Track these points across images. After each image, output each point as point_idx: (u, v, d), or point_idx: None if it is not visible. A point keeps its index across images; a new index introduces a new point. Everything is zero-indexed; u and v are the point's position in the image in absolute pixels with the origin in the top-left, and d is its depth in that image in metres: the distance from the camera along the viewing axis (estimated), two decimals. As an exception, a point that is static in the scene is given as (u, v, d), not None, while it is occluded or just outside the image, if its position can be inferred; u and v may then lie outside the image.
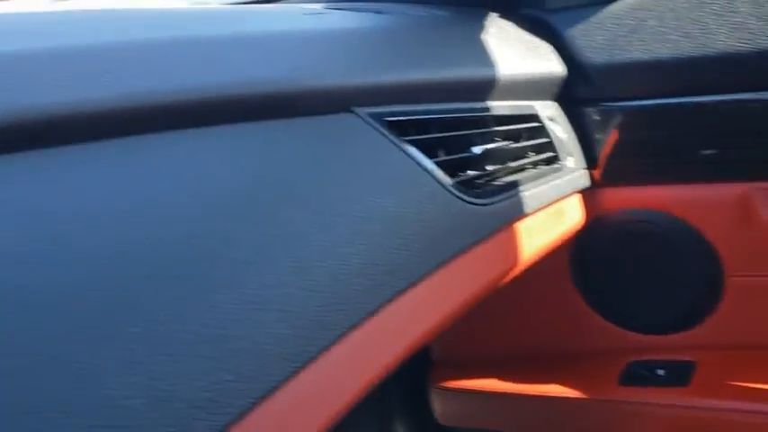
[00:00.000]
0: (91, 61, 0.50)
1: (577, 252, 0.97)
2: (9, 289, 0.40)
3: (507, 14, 0.85)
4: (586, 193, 0.88)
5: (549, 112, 0.83)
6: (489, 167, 0.73)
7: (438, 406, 1.14)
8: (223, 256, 0.48)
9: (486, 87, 0.75)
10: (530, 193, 0.75)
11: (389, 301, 0.56)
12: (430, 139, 0.67)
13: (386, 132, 0.63)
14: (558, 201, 0.81)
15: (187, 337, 0.44)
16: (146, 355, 0.42)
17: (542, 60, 0.82)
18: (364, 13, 0.74)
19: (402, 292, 0.58)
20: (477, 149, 0.71)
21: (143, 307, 0.43)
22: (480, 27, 0.79)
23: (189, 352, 0.43)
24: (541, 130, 0.81)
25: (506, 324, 1.08)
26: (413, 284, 0.59)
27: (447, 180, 0.65)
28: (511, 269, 0.73)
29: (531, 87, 0.81)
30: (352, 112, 0.62)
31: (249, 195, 0.52)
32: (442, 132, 0.69)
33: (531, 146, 0.80)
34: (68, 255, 0.42)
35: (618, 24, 0.83)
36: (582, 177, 0.86)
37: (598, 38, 0.82)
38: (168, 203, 0.48)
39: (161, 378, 0.41)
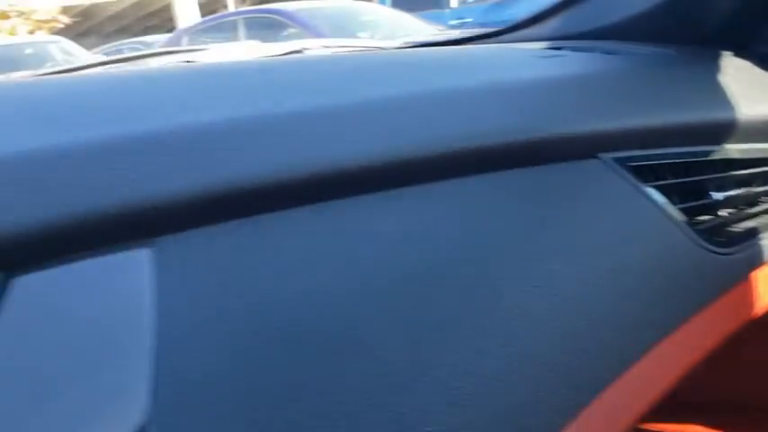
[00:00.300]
0: (361, 117, 0.53)
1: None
2: (317, 336, 0.43)
3: (740, 52, 0.82)
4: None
5: (784, 154, 0.79)
6: (725, 213, 0.71)
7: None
8: (493, 308, 0.49)
9: (722, 130, 0.73)
10: (767, 242, 0.72)
11: (642, 354, 0.56)
12: (669, 185, 0.66)
13: (631, 178, 0.62)
14: (793, 248, 0.77)
15: (473, 389, 0.45)
16: (441, 404, 0.44)
17: (780, 100, 0.79)
18: (596, 55, 0.74)
19: (653, 344, 0.57)
20: (718, 195, 0.69)
21: (433, 357, 0.45)
22: (714, 66, 0.76)
23: (475, 403, 0.45)
24: (776, 174, 0.77)
25: (718, 368, 1.03)
26: (662, 337, 0.58)
27: (690, 228, 0.64)
28: (748, 320, 0.70)
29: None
30: (597, 158, 0.62)
31: (506, 245, 0.53)
32: (677, 177, 0.68)
33: (766, 191, 0.76)
34: (370, 303, 0.45)
35: None
36: (818, 223, 0.81)
37: None
38: (436, 254, 0.50)
39: (459, 429, 0.43)
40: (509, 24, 0.91)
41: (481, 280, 0.50)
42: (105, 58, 0.96)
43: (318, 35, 6.26)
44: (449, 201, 0.53)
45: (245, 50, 0.92)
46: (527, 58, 0.71)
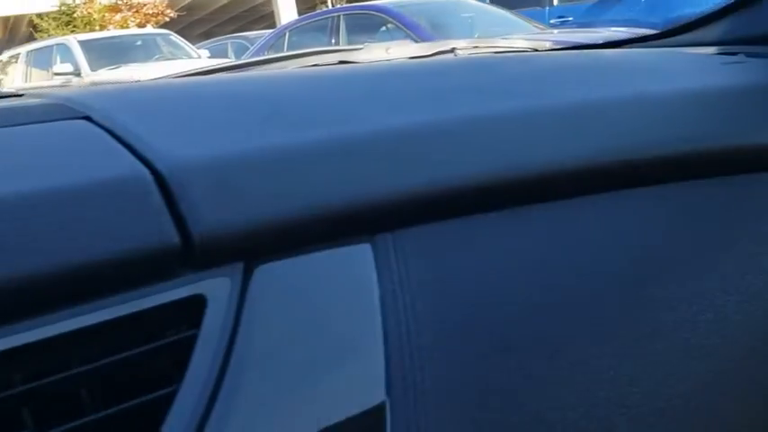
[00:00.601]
0: (558, 122, 0.53)
1: None
2: (527, 341, 0.43)
3: None
4: None
5: None
6: None
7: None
8: (693, 322, 0.48)
9: None
10: None
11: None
12: None
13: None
14: None
15: (680, 403, 0.45)
16: (651, 418, 0.44)
17: None
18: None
19: None
20: None
21: (640, 370, 0.45)
22: None
23: (682, 418, 0.45)
24: None
25: None
26: None
27: None
28: None
29: None
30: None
31: (705, 256, 0.52)
32: None
33: None
34: (578, 311, 0.45)
35: None
36: None
37: None
38: (638, 264, 0.49)
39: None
40: (671, 26, 0.89)
41: (682, 293, 0.49)
42: (264, 57, 0.99)
43: (417, 31, 6.27)
44: (648, 208, 0.52)
45: (396, 50, 0.94)
46: (709, 64, 0.69)
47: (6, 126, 0.46)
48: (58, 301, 0.36)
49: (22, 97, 0.64)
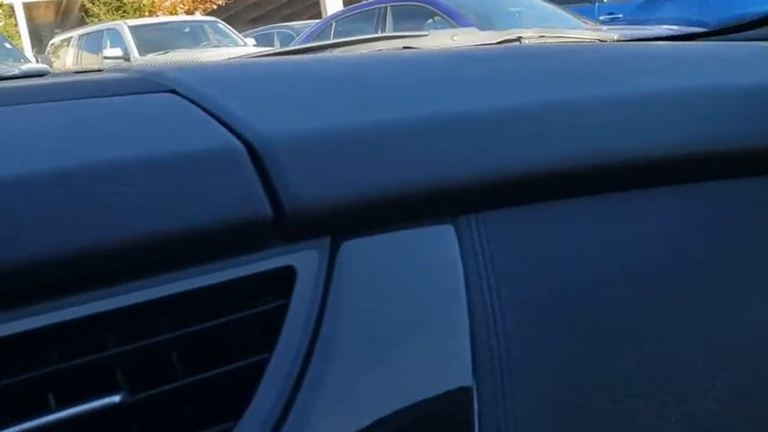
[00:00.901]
0: (635, 110, 0.52)
1: None
2: (612, 327, 0.43)
3: None
4: None
5: None
6: None
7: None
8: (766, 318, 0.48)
9: None
10: None
11: None
12: None
13: None
14: None
15: (764, 393, 0.44)
16: (735, 407, 0.43)
17: None
18: None
19: None
20: None
21: (725, 361, 0.44)
22: None
23: (763, 411, 0.44)
24: None
25: None
26: None
27: None
28: None
29: None
30: None
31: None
32: None
33: None
34: (664, 299, 0.45)
35: None
36: None
37: None
38: (715, 256, 0.49)
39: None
40: (728, 24, 0.88)
41: (757, 286, 0.48)
42: (330, 42, 1.00)
43: (463, 24, 6.23)
44: (731, 200, 0.51)
45: (462, 38, 0.93)
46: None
47: (96, 97, 0.47)
48: (151, 268, 0.37)
49: (102, 72, 0.65)
